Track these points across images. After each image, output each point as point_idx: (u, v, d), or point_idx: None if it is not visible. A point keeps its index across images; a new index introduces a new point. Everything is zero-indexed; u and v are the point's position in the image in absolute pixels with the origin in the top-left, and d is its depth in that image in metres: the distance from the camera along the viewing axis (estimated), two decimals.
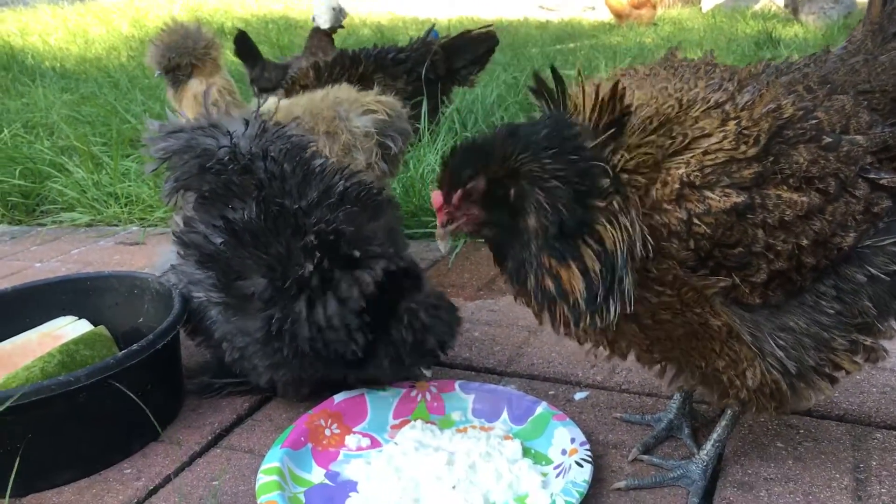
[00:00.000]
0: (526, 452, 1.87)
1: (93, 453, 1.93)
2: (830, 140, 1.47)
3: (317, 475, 1.85)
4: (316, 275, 1.89)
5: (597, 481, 1.75)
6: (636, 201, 1.42)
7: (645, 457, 1.84)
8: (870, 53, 1.71)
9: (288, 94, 4.50)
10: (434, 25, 5.50)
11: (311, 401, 2.07)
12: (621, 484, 1.76)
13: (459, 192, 1.44)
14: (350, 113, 2.82)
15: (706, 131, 1.44)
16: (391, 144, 2.85)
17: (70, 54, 9.41)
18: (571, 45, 8.96)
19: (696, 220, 1.40)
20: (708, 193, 1.40)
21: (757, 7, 13.99)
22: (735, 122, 1.44)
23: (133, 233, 3.82)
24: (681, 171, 1.41)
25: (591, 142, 1.42)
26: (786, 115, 1.45)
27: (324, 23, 6.00)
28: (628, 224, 1.40)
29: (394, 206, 2.19)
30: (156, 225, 3.86)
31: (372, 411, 2.04)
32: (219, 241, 1.97)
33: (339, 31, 6.32)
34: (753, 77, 1.59)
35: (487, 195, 1.44)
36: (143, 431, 2.03)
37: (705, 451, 1.75)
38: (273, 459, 1.81)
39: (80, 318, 2.34)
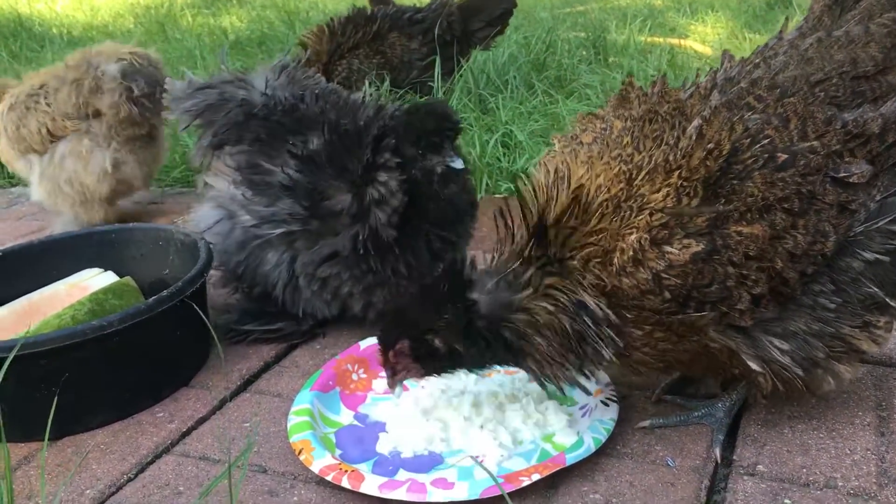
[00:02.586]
0: (551, 394, 1.90)
1: (125, 397, 1.97)
2: (786, 157, 1.46)
3: (346, 417, 1.89)
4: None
5: (622, 421, 1.78)
6: (596, 279, 1.48)
7: (669, 397, 1.87)
8: (826, 30, 1.67)
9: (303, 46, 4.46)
10: None
11: (340, 347, 2.10)
12: (646, 423, 1.79)
13: (391, 352, 1.63)
14: (102, 62, 3.21)
15: (650, 194, 1.45)
16: (134, 87, 3.19)
17: (77, 21, 9.37)
18: (580, 8, 8.86)
19: (663, 275, 1.43)
20: (667, 248, 1.43)
21: None
22: (677, 173, 1.45)
23: (150, 193, 3.84)
24: (632, 238, 1.44)
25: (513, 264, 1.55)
26: (725, 152, 1.45)
27: None
28: (569, 303, 1.50)
29: None
30: (172, 185, 3.88)
31: None
32: (292, 171, 2.08)
33: None
34: (703, 100, 1.59)
35: (416, 350, 1.62)
36: (174, 377, 2.08)
37: (735, 391, 1.77)
38: (303, 401, 1.85)
39: (106, 270, 2.37)
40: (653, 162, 1.49)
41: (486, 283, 1.57)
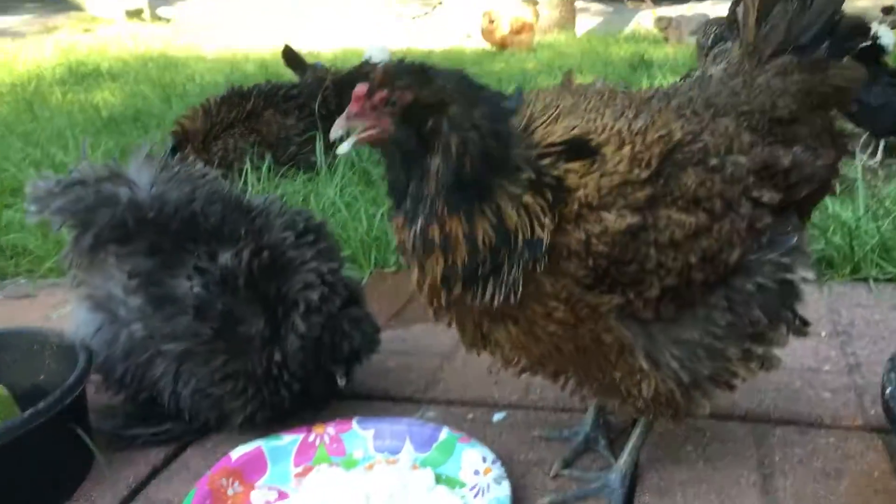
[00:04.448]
0: (438, 479, 1.88)
1: None
2: (716, 162, 1.58)
3: None
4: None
5: (522, 499, 1.79)
6: (555, 214, 1.48)
7: (566, 471, 1.90)
8: (748, 74, 1.81)
9: (175, 135, 4.41)
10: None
11: (231, 443, 2.03)
12: (545, 500, 1.80)
13: (384, 92, 1.45)
14: None
15: (605, 156, 1.52)
16: None
17: None
18: None
19: (594, 240, 1.48)
20: (605, 214, 1.48)
21: (628, 30, 14.64)
22: (630, 146, 1.52)
23: (21, 286, 3.65)
24: (580, 193, 1.49)
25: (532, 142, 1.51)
26: (675, 139, 1.55)
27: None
28: (539, 225, 1.46)
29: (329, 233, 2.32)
30: (45, 276, 3.70)
31: (272, 463, 1.99)
32: (201, 290, 2.02)
33: (223, 67, 6.35)
34: (645, 102, 1.69)
35: (406, 113, 1.45)
36: (56, 491, 1.96)
37: (622, 461, 1.82)
38: None
39: None
40: (615, 128, 1.55)
41: (520, 143, 1.50)
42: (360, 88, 1.45)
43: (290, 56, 6.42)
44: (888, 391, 1.60)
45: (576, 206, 1.48)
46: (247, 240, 2.09)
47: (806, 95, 1.77)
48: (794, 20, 1.79)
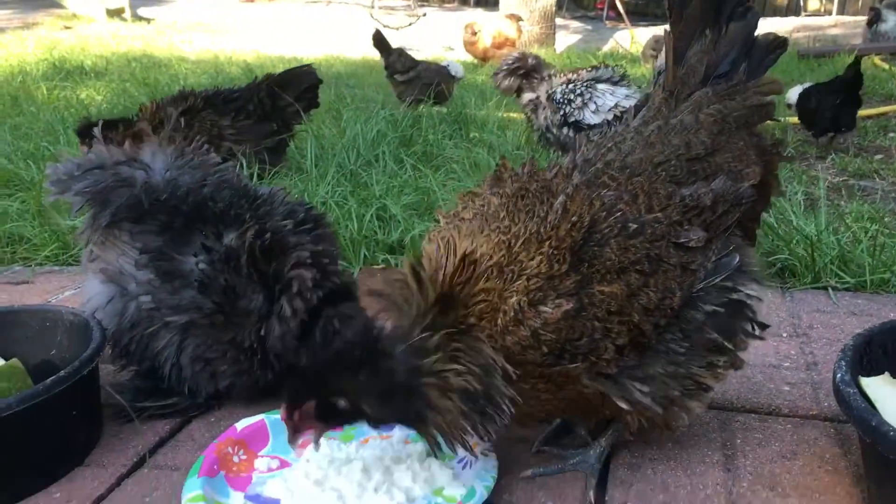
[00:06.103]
0: (429, 452, 2.01)
1: (19, 480, 1.97)
2: (636, 226, 1.73)
3: (236, 499, 1.92)
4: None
5: (506, 472, 1.95)
6: (488, 337, 1.67)
7: (546, 447, 2.07)
8: (664, 119, 1.96)
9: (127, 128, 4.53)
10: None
11: (234, 418, 2.17)
12: (528, 472, 1.97)
13: (297, 413, 1.72)
14: None
15: (526, 261, 1.68)
16: None
17: None
18: None
19: (540, 332, 1.66)
20: (542, 308, 1.66)
21: (606, 48, 14.91)
22: (548, 242, 1.69)
23: (18, 272, 3.75)
24: (513, 300, 1.66)
25: (417, 329, 1.67)
26: (586, 223, 1.71)
27: (457, 73, 7.96)
28: (475, 364, 1.66)
29: (328, 223, 2.47)
30: (42, 264, 3.81)
31: (273, 435, 2.12)
32: (206, 266, 2.17)
33: (206, 68, 7.14)
34: (566, 179, 1.84)
35: (321, 411, 1.72)
36: (69, 456, 2.08)
37: (604, 439, 1.99)
38: (194, 488, 1.87)
39: None
40: (527, 232, 1.72)
41: (396, 350, 1.69)
42: (283, 415, 1.74)
43: (379, 39, 7.72)
44: (839, 376, 1.78)
45: (512, 313, 1.66)
46: (250, 223, 2.25)
47: (723, 122, 1.92)
48: (710, 55, 1.94)
